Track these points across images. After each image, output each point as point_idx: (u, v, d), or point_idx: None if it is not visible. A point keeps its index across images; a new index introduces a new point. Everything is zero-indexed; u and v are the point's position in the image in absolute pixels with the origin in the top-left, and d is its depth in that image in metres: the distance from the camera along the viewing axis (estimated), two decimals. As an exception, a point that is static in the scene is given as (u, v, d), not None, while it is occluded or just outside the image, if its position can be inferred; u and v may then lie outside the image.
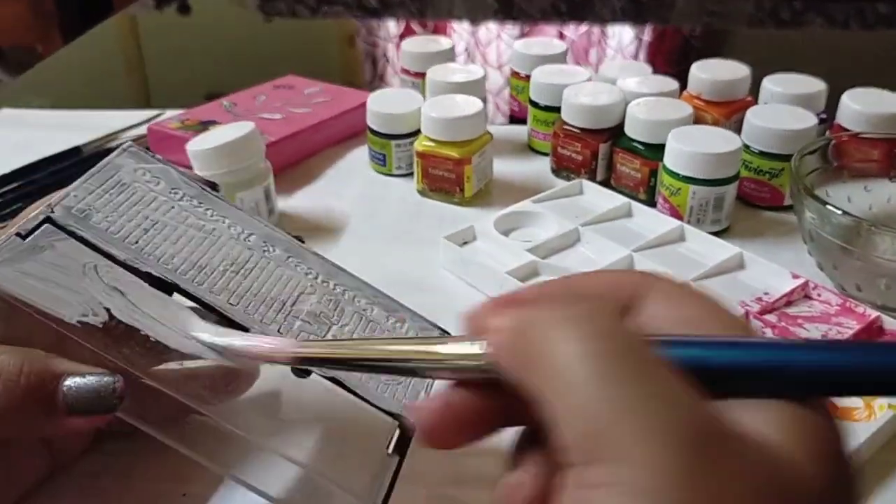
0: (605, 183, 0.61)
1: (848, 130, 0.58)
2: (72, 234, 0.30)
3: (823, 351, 0.18)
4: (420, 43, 0.72)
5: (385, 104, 0.62)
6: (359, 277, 0.37)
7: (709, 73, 0.62)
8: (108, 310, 0.29)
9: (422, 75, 0.67)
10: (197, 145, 0.53)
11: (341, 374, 0.32)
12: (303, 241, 0.37)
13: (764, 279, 0.49)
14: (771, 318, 0.46)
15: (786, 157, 0.55)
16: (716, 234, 0.54)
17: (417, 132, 0.60)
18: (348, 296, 0.36)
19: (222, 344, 0.30)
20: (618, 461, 0.16)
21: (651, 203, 0.58)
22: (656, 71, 0.66)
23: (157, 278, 0.31)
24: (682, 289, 0.22)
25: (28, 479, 0.34)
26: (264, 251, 0.35)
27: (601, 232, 0.54)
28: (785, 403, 0.18)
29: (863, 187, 0.53)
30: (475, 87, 0.64)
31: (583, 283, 0.23)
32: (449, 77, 0.65)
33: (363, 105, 0.63)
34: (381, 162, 0.63)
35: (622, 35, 1.71)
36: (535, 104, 0.65)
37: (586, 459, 0.17)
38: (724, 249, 0.51)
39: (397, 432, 0.32)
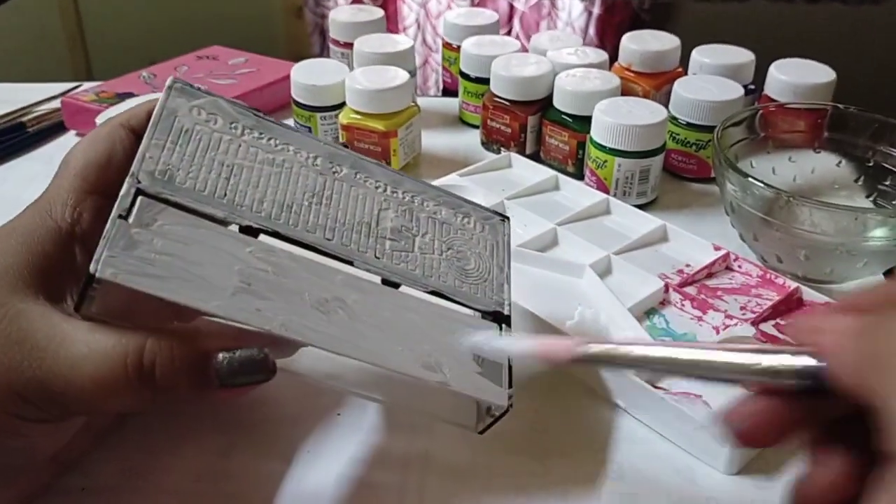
0: (535, 156, 0.60)
1: (775, 101, 0.58)
2: (167, 202, 0.29)
3: None
4: (349, 12, 0.70)
5: (309, 75, 0.60)
6: (418, 179, 0.38)
7: (639, 44, 0.62)
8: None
9: (351, 45, 0.66)
10: (106, 118, 0.51)
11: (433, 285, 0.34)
12: (348, 147, 0.37)
13: (686, 251, 0.49)
14: (690, 290, 0.46)
15: (712, 129, 0.54)
16: (642, 206, 0.54)
17: (343, 104, 0.58)
18: (417, 201, 0.37)
19: (506, 349, 0.32)
20: None
21: (579, 176, 0.57)
22: (605, 44, 0.65)
23: (257, 229, 0.31)
24: None
25: (35, 483, 0.33)
26: (334, 172, 0.35)
27: (526, 206, 0.53)
28: None
29: (787, 158, 0.53)
30: (403, 58, 0.62)
31: None
32: (377, 48, 0.63)
33: (289, 76, 0.61)
34: (306, 135, 0.62)
35: (572, 7, 1.70)
36: (465, 76, 0.64)
37: None
38: (648, 222, 0.50)
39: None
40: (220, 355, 0.28)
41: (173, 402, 0.37)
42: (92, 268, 0.26)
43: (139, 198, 0.29)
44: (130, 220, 0.28)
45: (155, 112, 0.32)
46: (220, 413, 0.38)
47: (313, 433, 0.37)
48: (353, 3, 1.42)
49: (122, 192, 0.29)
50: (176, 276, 0.27)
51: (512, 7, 1.73)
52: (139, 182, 0.29)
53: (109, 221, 0.28)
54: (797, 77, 0.57)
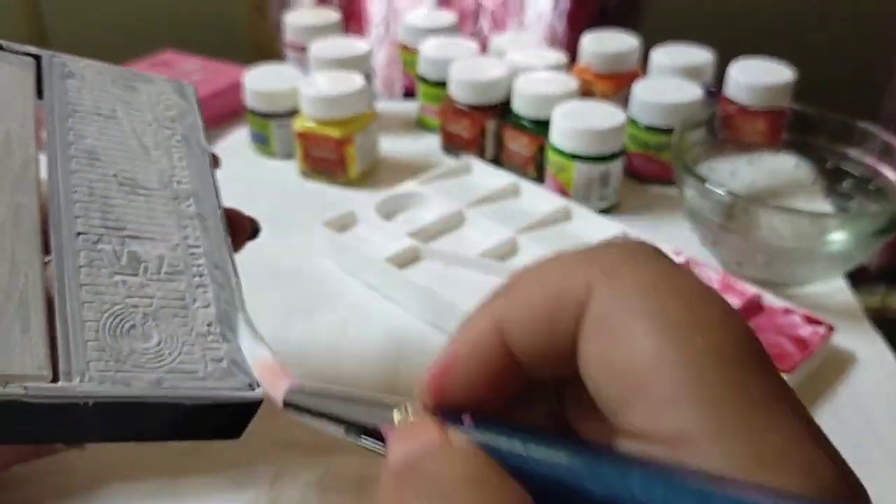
0: (496, 160, 0.59)
1: (735, 102, 0.57)
2: None
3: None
4: (305, 15, 0.68)
5: (263, 81, 0.59)
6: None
7: (598, 45, 0.61)
8: None
9: (307, 49, 0.64)
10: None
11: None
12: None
13: (646, 258, 0.48)
14: (651, 298, 0.45)
15: (672, 131, 0.54)
16: (604, 210, 0.53)
17: (298, 110, 0.57)
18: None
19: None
20: None
21: (541, 179, 0.56)
22: (575, 37, 0.64)
23: None
24: (620, 313, 0.15)
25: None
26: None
27: (487, 213, 0.52)
28: None
29: (746, 160, 0.53)
30: (360, 62, 0.61)
31: (516, 314, 0.17)
32: (333, 52, 0.62)
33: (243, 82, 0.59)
34: (262, 142, 0.60)
35: (540, 1, 1.70)
36: (423, 79, 0.63)
37: None
38: (609, 228, 0.50)
39: None
40: None
41: None
42: None
43: None
44: None
45: None
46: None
47: (270, 457, 0.36)
48: (318, 3, 1.40)
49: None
50: None
51: (479, 3, 1.72)
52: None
53: None
54: (755, 78, 0.57)
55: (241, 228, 0.33)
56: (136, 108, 0.34)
